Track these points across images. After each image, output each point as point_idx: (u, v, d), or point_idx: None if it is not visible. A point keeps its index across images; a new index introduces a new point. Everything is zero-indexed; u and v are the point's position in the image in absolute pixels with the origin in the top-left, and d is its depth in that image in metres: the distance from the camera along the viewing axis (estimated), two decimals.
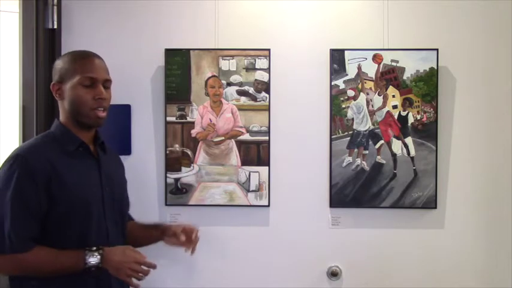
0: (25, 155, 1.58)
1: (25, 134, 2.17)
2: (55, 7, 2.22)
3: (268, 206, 2.26)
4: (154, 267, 1.63)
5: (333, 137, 2.25)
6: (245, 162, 2.25)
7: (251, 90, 2.25)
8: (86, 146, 1.70)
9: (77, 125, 1.69)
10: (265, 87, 2.25)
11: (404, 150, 2.24)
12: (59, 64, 1.71)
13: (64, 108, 1.70)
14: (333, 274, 2.26)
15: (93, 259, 1.57)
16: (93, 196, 1.67)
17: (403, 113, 2.24)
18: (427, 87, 2.22)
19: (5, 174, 1.57)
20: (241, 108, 2.26)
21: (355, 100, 2.25)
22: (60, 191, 1.59)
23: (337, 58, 2.24)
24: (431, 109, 2.23)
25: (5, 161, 1.61)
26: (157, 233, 1.90)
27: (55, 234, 1.60)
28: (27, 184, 1.56)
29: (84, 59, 1.69)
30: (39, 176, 1.56)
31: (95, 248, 1.59)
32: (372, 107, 2.25)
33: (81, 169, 1.67)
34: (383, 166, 2.24)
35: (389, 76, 2.24)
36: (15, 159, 1.58)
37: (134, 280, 1.60)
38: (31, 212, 1.56)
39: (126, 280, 1.60)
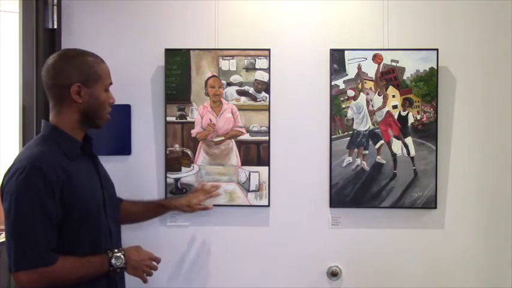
0: (39, 165, 1.54)
1: (25, 134, 2.17)
2: (55, 7, 2.22)
3: (268, 206, 2.26)
4: (160, 261, 1.77)
5: (333, 137, 2.25)
6: (245, 162, 2.25)
7: (251, 90, 2.25)
8: (84, 148, 1.70)
9: (79, 127, 1.68)
10: (265, 87, 2.25)
11: (404, 150, 2.24)
12: (78, 65, 1.65)
13: (71, 110, 1.66)
14: (333, 274, 2.26)
15: (119, 261, 1.64)
16: (97, 198, 1.69)
17: (403, 113, 2.24)
18: (427, 87, 2.22)
19: (22, 185, 1.52)
20: (241, 108, 2.26)
21: (355, 100, 2.25)
22: (72, 197, 1.59)
23: (337, 58, 2.24)
24: (431, 109, 2.23)
25: (16, 171, 1.54)
26: (162, 209, 2.11)
27: (67, 240, 1.60)
28: (47, 196, 1.53)
29: (103, 63, 1.72)
30: (56, 186, 1.55)
31: (116, 250, 1.65)
32: (372, 107, 2.25)
33: (84, 172, 1.67)
34: (383, 166, 2.24)
35: (389, 76, 2.24)
36: (30, 170, 1.53)
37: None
38: (52, 223, 1.55)
39: (141, 277, 1.71)
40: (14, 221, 1.52)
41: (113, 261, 1.63)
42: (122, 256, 1.64)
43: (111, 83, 1.74)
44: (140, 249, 1.74)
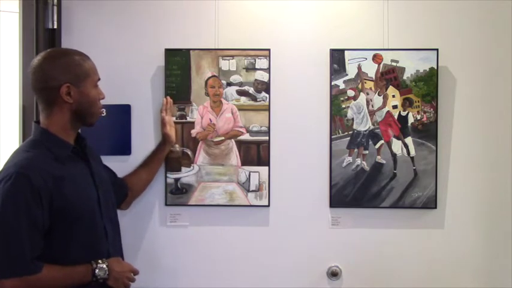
0: (26, 173, 1.54)
1: (25, 134, 2.16)
2: (55, 7, 2.22)
3: (268, 206, 2.26)
4: (138, 273, 1.78)
5: (333, 137, 2.25)
6: (245, 162, 2.25)
7: (251, 90, 2.25)
8: (75, 150, 1.69)
9: (71, 127, 1.68)
10: (265, 87, 2.25)
11: (404, 150, 2.24)
12: (65, 65, 1.64)
13: (62, 111, 1.65)
14: (333, 274, 2.26)
15: (102, 272, 1.64)
16: (91, 201, 1.69)
17: (403, 113, 2.24)
18: (427, 87, 2.22)
19: (8, 193, 1.52)
20: (241, 108, 2.26)
21: (355, 100, 2.25)
22: (62, 202, 1.59)
23: (337, 58, 2.24)
24: (431, 109, 2.23)
25: (3, 178, 1.55)
26: (163, 148, 2.16)
27: (60, 246, 1.61)
28: (34, 204, 1.53)
29: (89, 60, 1.71)
30: (44, 194, 1.55)
31: (100, 261, 1.65)
32: (372, 107, 2.25)
33: (76, 175, 1.66)
34: (383, 166, 2.24)
35: (389, 76, 2.24)
36: (17, 177, 1.53)
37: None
38: (39, 231, 1.55)
39: None
40: None
41: (97, 271, 1.63)
42: (106, 267, 1.64)
43: (99, 79, 1.73)
44: (121, 261, 1.75)
